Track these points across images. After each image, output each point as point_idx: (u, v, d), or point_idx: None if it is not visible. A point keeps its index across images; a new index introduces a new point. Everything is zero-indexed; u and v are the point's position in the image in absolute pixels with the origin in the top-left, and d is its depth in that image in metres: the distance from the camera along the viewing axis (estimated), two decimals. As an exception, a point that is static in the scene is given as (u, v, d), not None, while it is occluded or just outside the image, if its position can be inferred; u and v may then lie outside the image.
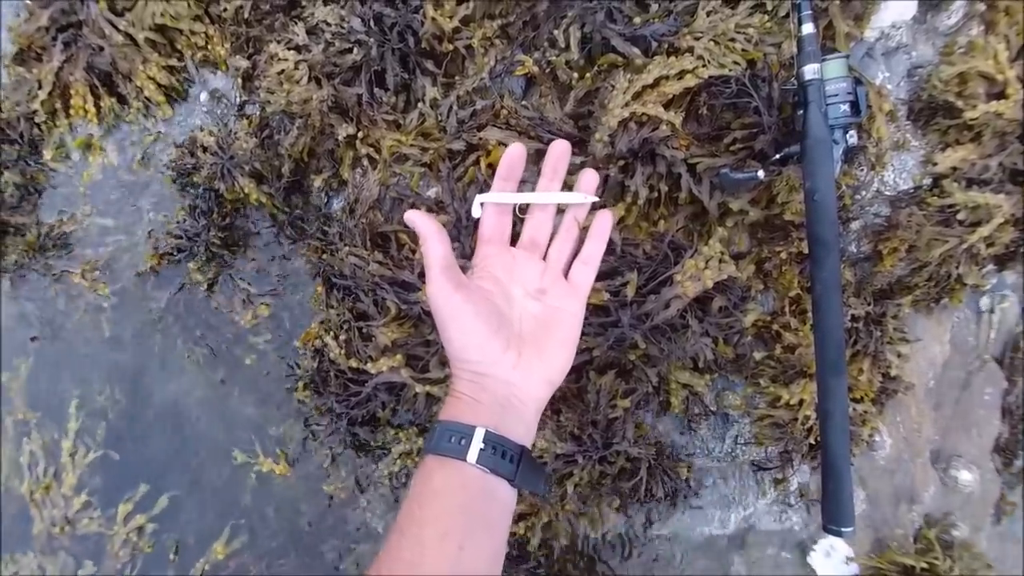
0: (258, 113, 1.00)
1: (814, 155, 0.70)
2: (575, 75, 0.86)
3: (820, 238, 0.70)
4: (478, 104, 0.92)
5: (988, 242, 0.86)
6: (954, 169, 0.85)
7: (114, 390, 1.10)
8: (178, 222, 1.04)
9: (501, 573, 0.51)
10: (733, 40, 0.81)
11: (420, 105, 0.92)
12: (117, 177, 1.08)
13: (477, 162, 0.91)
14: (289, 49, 0.93)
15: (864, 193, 0.89)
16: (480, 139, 0.90)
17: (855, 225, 0.91)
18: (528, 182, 0.68)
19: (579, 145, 0.87)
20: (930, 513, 0.97)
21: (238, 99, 1.03)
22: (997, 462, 0.99)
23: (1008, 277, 0.94)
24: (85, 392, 1.11)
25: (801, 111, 0.71)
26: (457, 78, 0.92)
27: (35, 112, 1.05)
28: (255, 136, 0.98)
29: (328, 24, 0.91)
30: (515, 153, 0.60)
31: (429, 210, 0.92)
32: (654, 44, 0.83)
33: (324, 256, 0.98)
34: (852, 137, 0.72)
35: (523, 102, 0.91)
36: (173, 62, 1.02)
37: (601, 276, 0.85)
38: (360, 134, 0.94)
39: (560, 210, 0.64)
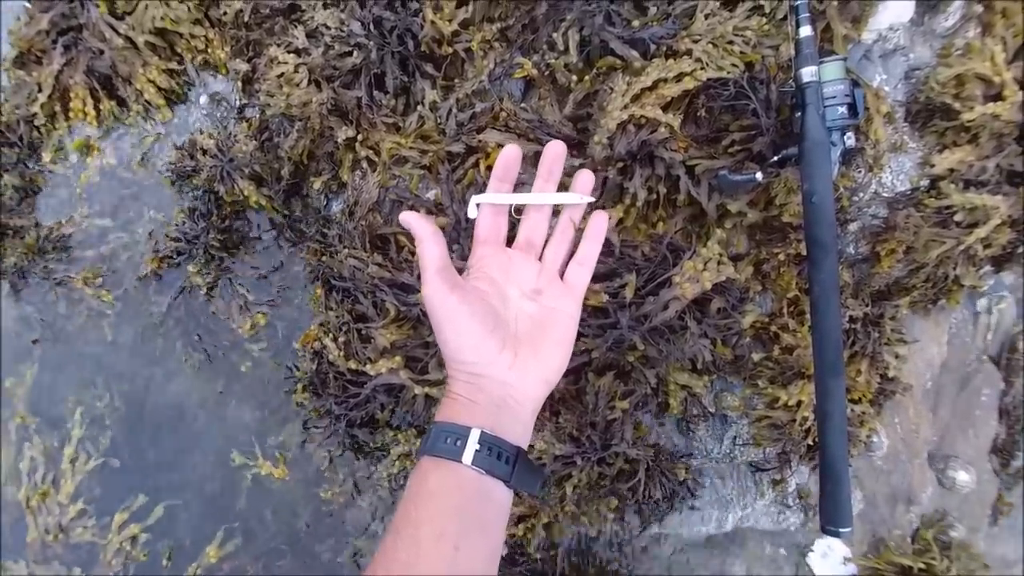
0: (258, 116, 1.00)
1: (812, 157, 0.70)
2: (574, 78, 0.87)
3: (818, 240, 0.70)
4: (477, 107, 0.92)
5: (985, 243, 0.86)
6: (951, 171, 0.85)
7: (114, 394, 1.10)
8: (177, 224, 1.04)
9: (498, 574, 0.51)
10: (731, 43, 0.82)
11: (419, 108, 0.92)
12: (116, 179, 1.08)
13: (476, 164, 0.92)
14: (289, 52, 0.93)
15: (862, 195, 0.90)
16: (479, 141, 0.90)
17: (853, 227, 0.91)
18: (525, 183, 0.68)
19: (578, 147, 0.88)
20: (927, 513, 0.98)
21: (238, 102, 1.03)
22: (994, 463, 0.99)
23: (1005, 278, 0.94)
24: (86, 397, 1.11)
25: (799, 113, 0.72)
26: (456, 81, 0.93)
27: (35, 115, 1.06)
28: (255, 139, 0.98)
29: (328, 27, 0.91)
30: (511, 154, 0.60)
31: (428, 212, 0.93)
32: (652, 47, 0.83)
33: (323, 258, 0.98)
34: (850, 139, 0.72)
35: (522, 105, 0.91)
36: (173, 65, 1.03)
37: (600, 278, 0.85)
38: (360, 137, 0.94)
39: (556, 211, 0.64)
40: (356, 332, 0.94)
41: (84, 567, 1.09)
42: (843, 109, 0.71)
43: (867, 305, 0.89)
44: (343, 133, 0.93)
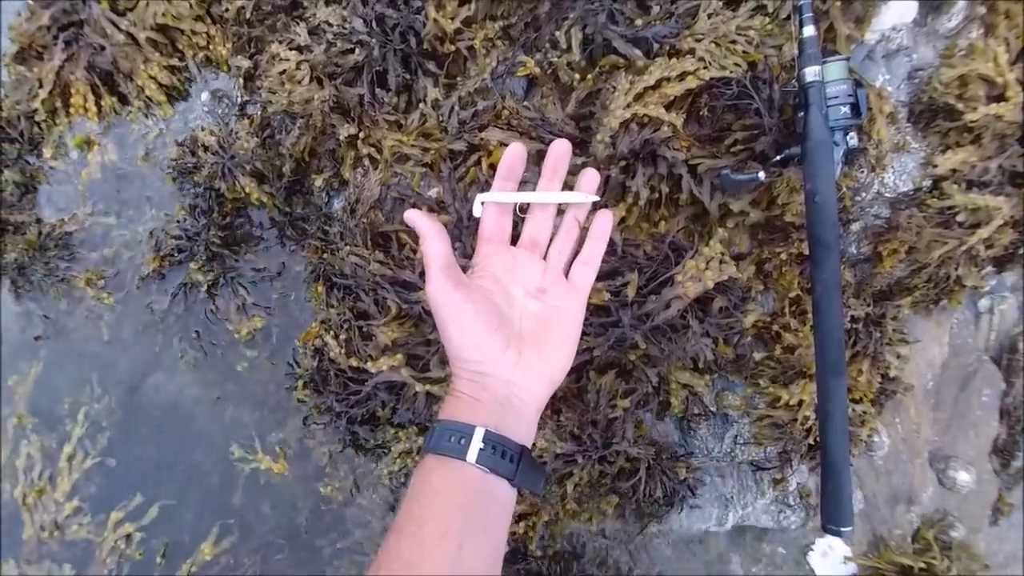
0: (259, 113, 1.00)
1: (815, 157, 0.70)
2: (576, 76, 0.87)
3: (820, 239, 0.70)
4: (479, 105, 0.92)
5: (987, 244, 0.86)
6: (954, 171, 0.85)
7: (113, 391, 1.10)
8: (178, 221, 1.04)
9: (500, 572, 0.51)
10: (734, 42, 0.82)
11: (422, 105, 0.92)
12: (117, 175, 1.08)
13: (478, 162, 0.92)
14: (291, 49, 0.93)
15: (864, 195, 0.89)
16: (481, 139, 0.90)
17: (855, 226, 0.91)
18: (529, 182, 0.68)
19: (580, 146, 0.87)
20: (928, 513, 0.98)
21: (239, 99, 1.03)
22: (995, 463, 0.99)
23: (1007, 279, 0.94)
24: (84, 395, 1.11)
25: (802, 113, 0.72)
26: (459, 79, 0.93)
27: (35, 111, 1.06)
28: (256, 136, 0.98)
29: (330, 24, 0.91)
30: (515, 153, 0.60)
31: (430, 210, 0.92)
32: (655, 46, 0.83)
33: (325, 256, 0.98)
34: (852, 139, 0.72)
35: (524, 103, 0.91)
36: (174, 62, 1.03)
37: (602, 276, 0.85)
38: (361, 134, 0.94)
39: (561, 210, 0.64)
40: (357, 329, 0.94)
41: (80, 565, 1.09)
42: (846, 109, 0.71)
43: (869, 305, 0.89)
44: (345, 130, 0.93)
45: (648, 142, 0.82)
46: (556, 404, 0.92)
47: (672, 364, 0.88)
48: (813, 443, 0.92)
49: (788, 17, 0.82)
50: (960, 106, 0.83)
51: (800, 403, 0.90)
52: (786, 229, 0.87)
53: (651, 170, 0.84)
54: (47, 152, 1.09)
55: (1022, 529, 0.99)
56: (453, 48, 0.90)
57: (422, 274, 0.90)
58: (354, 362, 0.93)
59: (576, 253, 0.62)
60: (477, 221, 0.63)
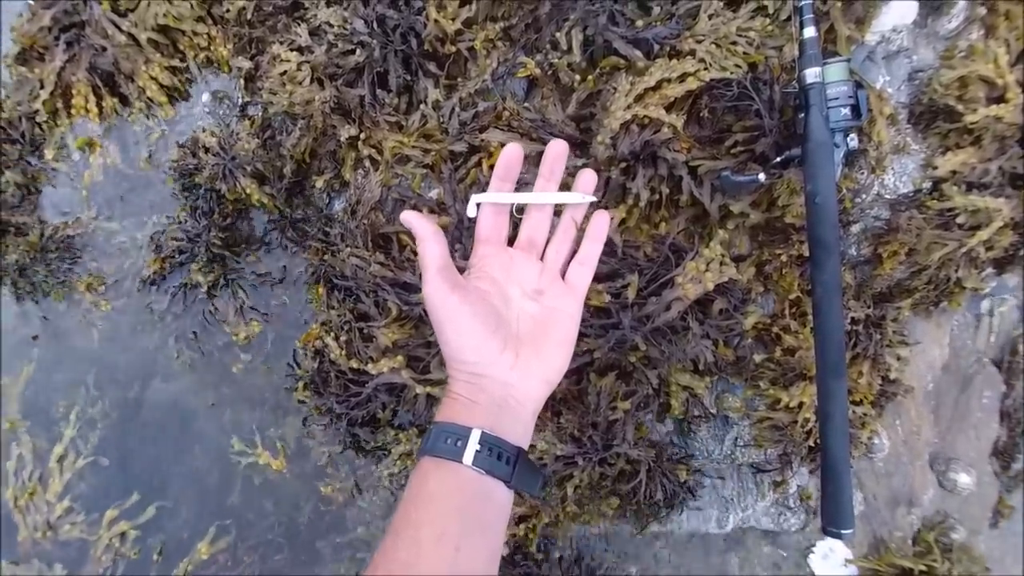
0: (260, 114, 1.00)
1: (815, 158, 0.70)
2: (577, 77, 0.87)
3: (821, 241, 0.70)
4: (480, 106, 0.92)
5: (987, 246, 0.86)
6: (954, 173, 0.85)
7: (111, 392, 1.10)
8: (179, 223, 1.04)
9: (498, 574, 0.51)
10: (735, 43, 0.82)
11: (422, 107, 0.92)
12: (119, 177, 1.08)
13: (479, 164, 0.92)
14: (292, 50, 0.93)
15: (864, 196, 0.89)
16: (482, 141, 0.90)
17: (855, 228, 0.91)
18: (528, 183, 0.68)
19: (581, 147, 0.87)
20: (928, 515, 0.98)
21: (240, 100, 1.03)
22: (995, 465, 0.99)
23: (1008, 280, 0.94)
24: (80, 396, 1.11)
25: (802, 114, 0.72)
26: (459, 80, 0.93)
27: (37, 112, 1.06)
28: (257, 137, 0.98)
29: (331, 25, 0.91)
30: (512, 153, 0.60)
31: (431, 212, 0.93)
32: (656, 47, 0.83)
33: (326, 257, 0.98)
34: (853, 140, 0.72)
35: (525, 104, 0.91)
36: (175, 63, 1.03)
37: (602, 278, 0.85)
38: (362, 135, 0.94)
39: (558, 211, 0.64)
40: (358, 331, 0.94)
41: (74, 565, 1.09)
42: (846, 110, 0.71)
43: (869, 307, 0.89)
44: (346, 132, 0.93)
45: (648, 143, 0.82)
46: (556, 406, 0.92)
47: (672, 366, 0.88)
48: (813, 445, 0.92)
49: (789, 18, 0.82)
50: (960, 108, 0.83)
51: (800, 405, 0.90)
52: (786, 231, 0.87)
53: (651, 171, 0.84)
54: (49, 153, 1.09)
55: (1022, 532, 0.99)
56: (454, 49, 0.90)
57: (421, 276, 0.90)
58: (354, 364, 0.93)
59: (573, 254, 0.62)
60: (474, 221, 0.63)
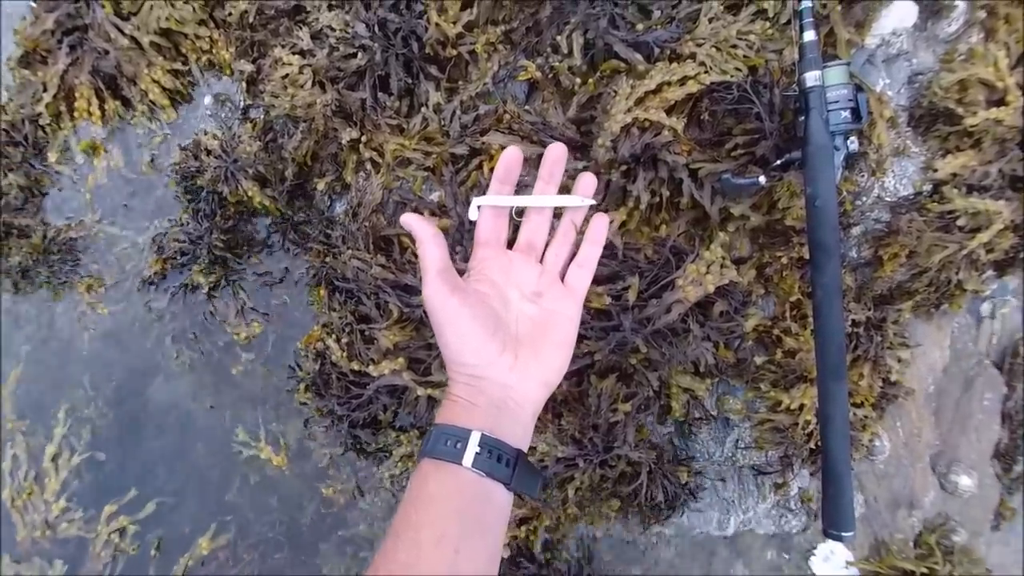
0: (262, 117, 1.00)
1: (815, 161, 0.70)
2: (578, 80, 0.87)
3: (821, 243, 0.70)
4: (481, 109, 0.92)
5: (988, 248, 0.86)
6: (954, 175, 0.86)
7: (107, 390, 1.10)
8: (181, 225, 1.04)
9: (498, 576, 0.51)
10: (735, 46, 0.82)
11: (423, 110, 0.93)
12: (122, 180, 1.09)
13: (480, 166, 0.92)
14: (294, 53, 0.94)
15: (865, 199, 0.90)
16: (483, 143, 0.90)
17: (856, 231, 0.91)
18: (528, 185, 0.68)
19: (581, 150, 0.88)
20: (930, 518, 0.97)
21: (242, 103, 1.03)
22: (997, 467, 0.99)
23: (1009, 283, 0.94)
24: (79, 396, 1.11)
25: (802, 117, 0.72)
26: (460, 83, 0.93)
27: (40, 115, 1.06)
28: (259, 140, 0.99)
29: (333, 29, 0.91)
30: (512, 156, 0.60)
31: (432, 214, 0.93)
32: (656, 50, 0.83)
33: (327, 259, 0.98)
34: (853, 143, 0.73)
35: (526, 107, 0.91)
36: (178, 66, 1.03)
37: (603, 280, 0.85)
38: (364, 138, 0.94)
39: (558, 214, 0.64)
40: (359, 333, 0.94)
41: (74, 562, 1.09)
42: (846, 113, 0.71)
43: (870, 309, 0.89)
44: (347, 134, 0.93)
45: (649, 146, 0.82)
46: (557, 408, 0.92)
47: (673, 368, 0.88)
48: (814, 447, 0.92)
49: (789, 22, 0.82)
50: (960, 110, 0.84)
51: (801, 407, 0.90)
52: (787, 233, 0.87)
53: (652, 174, 0.84)
54: (52, 156, 1.10)
55: (1023, 534, 0.99)
56: (455, 52, 0.90)
57: (422, 278, 0.90)
58: (356, 366, 0.93)
59: (573, 256, 0.62)
60: (474, 224, 0.63)
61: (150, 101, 1.04)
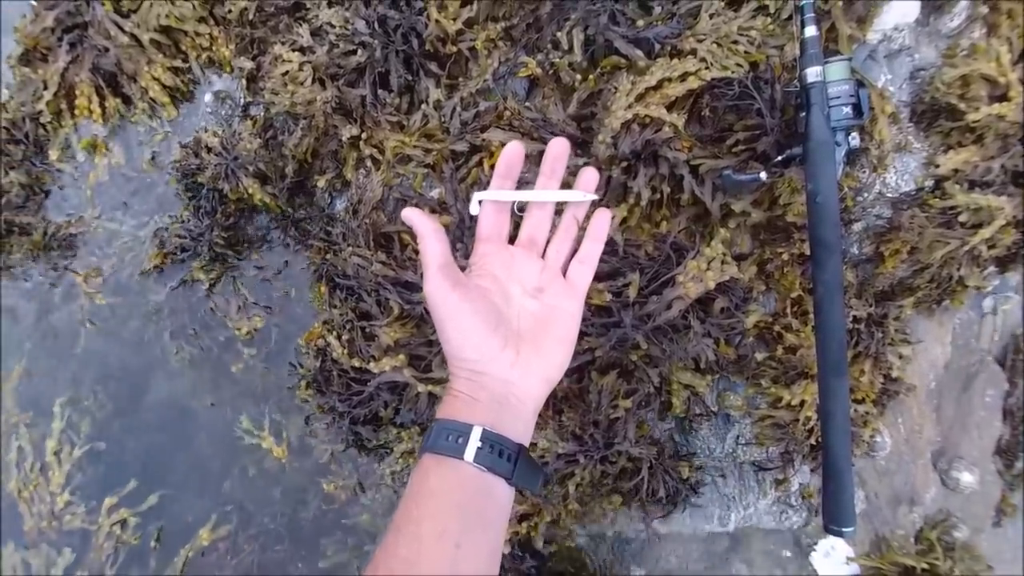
0: (262, 114, 1.00)
1: (816, 157, 0.70)
2: (578, 77, 0.87)
3: (822, 240, 0.70)
4: (481, 106, 0.92)
5: (990, 244, 0.86)
6: (956, 171, 0.85)
7: (108, 384, 1.11)
8: (182, 222, 1.04)
9: (498, 571, 0.51)
10: (736, 42, 0.82)
11: (424, 106, 0.92)
12: (123, 177, 1.09)
13: (480, 163, 0.92)
14: (294, 51, 0.93)
15: (866, 195, 0.89)
16: (483, 140, 0.90)
17: (857, 227, 0.91)
18: (529, 181, 0.68)
19: (582, 147, 0.88)
20: (931, 514, 0.97)
21: (242, 100, 1.03)
22: (998, 464, 0.99)
23: (1011, 279, 0.94)
24: (74, 388, 1.11)
25: (804, 113, 0.72)
26: (460, 80, 0.93)
27: (40, 112, 1.06)
28: (259, 137, 0.99)
29: (333, 26, 0.91)
30: (513, 151, 0.60)
31: (432, 211, 0.93)
32: (657, 46, 0.83)
33: (327, 256, 0.98)
34: (854, 139, 0.72)
35: (526, 103, 0.91)
36: (178, 63, 1.03)
37: (604, 277, 0.85)
38: (364, 135, 0.94)
39: (560, 209, 0.64)
40: (360, 330, 0.94)
41: (79, 551, 1.10)
42: (848, 109, 0.71)
43: (871, 305, 0.89)
44: (347, 131, 0.93)
45: (649, 143, 0.82)
46: (558, 404, 0.92)
47: (674, 364, 0.88)
48: (815, 443, 0.92)
49: (790, 17, 0.82)
50: (962, 106, 0.83)
51: (802, 403, 0.90)
52: (788, 229, 0.87)
53: (652, 170, 0.84)
54: (53, 154, 1.10)
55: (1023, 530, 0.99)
56: (455, 49, 0.90)
57: (423, 274, 0.90)
58: (356, 362, 0.93)
59: (574, 252, 0.62)
60: (477, 221, 0.63)
61: (150, 99, 1.04)
